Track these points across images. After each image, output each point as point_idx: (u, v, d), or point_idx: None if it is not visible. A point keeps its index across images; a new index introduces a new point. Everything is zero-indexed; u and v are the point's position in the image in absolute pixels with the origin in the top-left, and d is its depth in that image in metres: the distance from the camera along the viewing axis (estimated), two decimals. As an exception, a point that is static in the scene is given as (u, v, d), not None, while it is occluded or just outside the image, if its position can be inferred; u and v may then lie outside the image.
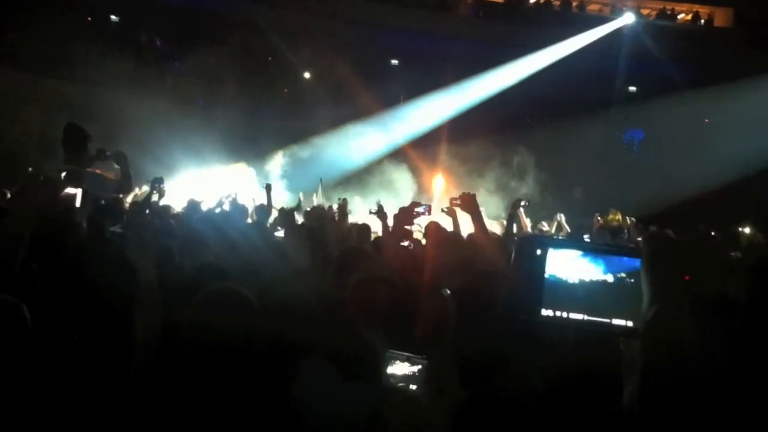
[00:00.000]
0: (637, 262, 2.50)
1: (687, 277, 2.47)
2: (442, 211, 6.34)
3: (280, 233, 6.95)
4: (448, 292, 3.53)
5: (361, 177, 16.68)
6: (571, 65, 17.85)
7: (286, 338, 2.68)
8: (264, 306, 2.71)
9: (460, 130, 17.63)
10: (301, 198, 11.57)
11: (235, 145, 16.20)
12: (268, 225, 8.19)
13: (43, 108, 15.34)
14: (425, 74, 18.16)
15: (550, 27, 18.88)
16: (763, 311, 2.52)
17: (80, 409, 2.60)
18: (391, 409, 2.50)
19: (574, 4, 20.93)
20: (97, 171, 6.30)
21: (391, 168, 16.67)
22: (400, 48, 19.44)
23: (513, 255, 2.76)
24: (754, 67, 16.09)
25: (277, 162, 17.04)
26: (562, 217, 11.51)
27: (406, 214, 5.12)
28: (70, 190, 4.92)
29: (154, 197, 8.06)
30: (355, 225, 8.16)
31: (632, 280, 2.50)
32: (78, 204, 4.93)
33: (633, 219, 10.71)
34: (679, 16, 20.92)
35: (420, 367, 2.65)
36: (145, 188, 9.08)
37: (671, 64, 17.51)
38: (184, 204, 9.48)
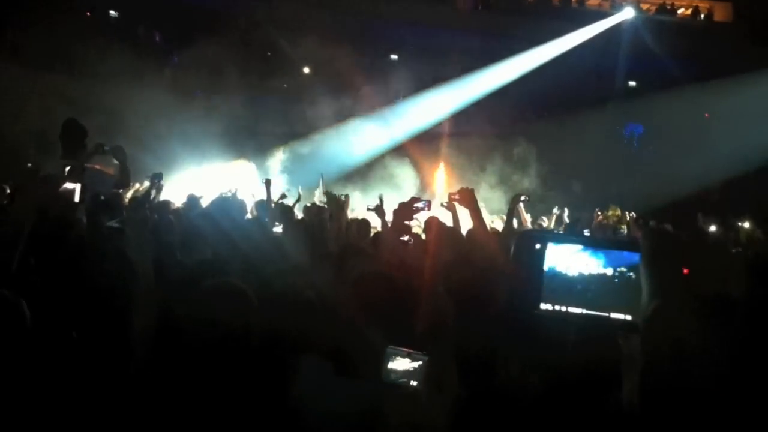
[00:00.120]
0: (636, 257, 2.50)
1: (686, 271, 2.47)
2: (442, 206, 6.33)
3: (278, 229, 6.92)
4: (441, 289, 3.53)
5: (362, 172, 16.66)
6: (571, 60, 17.83)
7: (284, 333, 2.68)
8: (262, 301, 2.71)
9: (460, 124, 17.63)
10: (301, 193, 11.53)
11: (235, 140, 16.19)
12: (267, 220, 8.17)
13: (43, 103, 15.31)
14: (424, 68, 18.14)
15: (549, 21, 18.84)
16: (763, 310, 2.53)
17: (79, 404, 2.61)
18: (391, 406, 2.51)
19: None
20: (97, 167, 6.30)
21: (392, 163, 16.65)
22: (399, 41, 19.40)
23: (512, 250, 2.76)
24: (754, 62, 16.07)
25: (277, 157, 17.03)
26: (565, 211, 11.52)
27: (406, 210, 5.11)
28: (68, 185, 4.92)
29: (153, 193, 8.06)
30: (354, 220, 8.15)
31: (632, 275, 2.50)
32: (77, 199, 4.93)
33: (632, 214, 10.73)
34: (679, 11, 20.88)
35: (420, 363, 2.65)
36: (146, 184, 9.07)
37: (671, 58, 17.47)
38: (185, 200, 9.48)
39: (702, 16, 20.80)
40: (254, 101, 17.86)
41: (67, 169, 5.05)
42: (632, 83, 19.85)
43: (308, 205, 10.42)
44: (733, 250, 7.85)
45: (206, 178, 13.73)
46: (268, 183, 8.99)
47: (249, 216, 8.56)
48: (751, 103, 15.85)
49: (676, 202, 14.52)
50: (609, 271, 2.54)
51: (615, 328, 2.52)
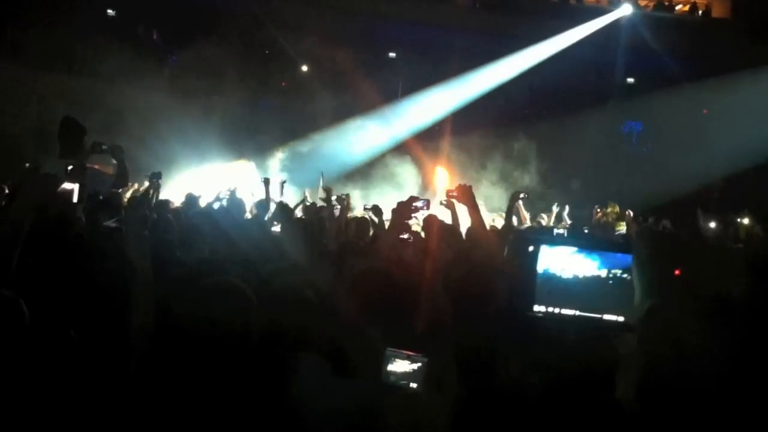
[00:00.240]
0: (630, 259, 2.51)
1: (678, 272, 2.48)
2: (441, 204, 6.32)
3: (277, 228, 6.92)
4: (440, 287, 3.53)
5: (363, 171, 16.65)
6: (569, 57, 17.80)
7: (283, 331, 2.69)
8: (261, 299, 2.71)
9: (460, 122, 17.62)
10: (307, 195, 11.50)
11: (234, 138, 16.18)
12: (267, 219, 8.18)
13: (42, 102, 15.32)
14: (422, 66, 18.14)
15: (548, 18, 18.83)
16: (763, 309, 2.53)
17: (78, 403, 2.61)
18: (391, 405, 2.51)
19: (572, -4, 20.87)
20: (96, 166, 6.30)
21: (393, 162, 16.64)
22: (397, 39, 19.38)
23: (506, 251, 2.77)
24: (753, 58, 16.06)
25: (277, 157, 17.02)
26: (565, 209, 11.52)
27: (404, 209, 5.10)
28: (67, 185, 4.91)
29: (151, 192, 8.06)
30: (354, 219, 8.15)
31: (626, 276, 2.51)
32: (75, 199, 4.93)
33: (631, 212, 10.73)
34: (677, 7, 20.86)
35: (420, 365, 2.65)
36: (146, 183, 9.07)
37: (669, 55, 17.47)
38: (183, 199, 9.49)
39: (700, 12, 20.77)
40: (254, 98, 17.87)
41: (69, 168, 5.05)
42: (631, 80, 19.84)
43: (308, 204, 10.43)
44: (733, 247, 7.85)
45: (206, 178, 13.73)
46: (266, 182, 8.99)
47: (248, 215, 8.58)
48: (750, 99, 15.85)
49: (676, 199, 14.52)
50: (603, 273, 2.55)
51: (608, 329, 2.53)
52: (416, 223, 6.97)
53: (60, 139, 5.56)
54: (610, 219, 11.22)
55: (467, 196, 4.73)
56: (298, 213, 9.36)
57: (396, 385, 2.64)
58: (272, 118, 17.65)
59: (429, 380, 2.71)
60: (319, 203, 9.64)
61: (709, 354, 2.34)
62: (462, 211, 5.35)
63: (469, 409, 2.54)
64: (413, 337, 3.10)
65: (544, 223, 10.97)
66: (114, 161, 6.10)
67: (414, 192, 13.91)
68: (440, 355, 2.85)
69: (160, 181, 8.16)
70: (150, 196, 7.95)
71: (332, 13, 17.80)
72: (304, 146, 17.48)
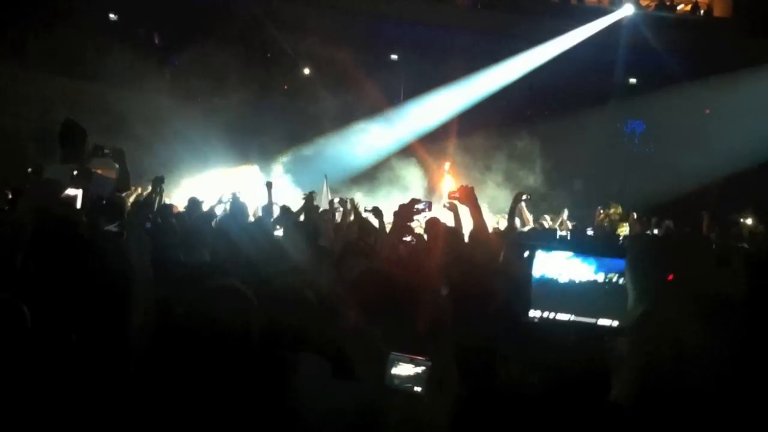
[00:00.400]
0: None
1: (670, 277, 2.48)
2: (444, 206, 6.32)
3: (280, 232, 6.94)
4: (443, 290, 3.54)
5: (368, 174, 16.63)
6: (571, 57, 17.78)
7: (283, 332, 2.69)
8: (262, 300, 2.72)
9: (462, 124, 17.61)
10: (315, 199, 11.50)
11: (237, 141, 16.18)
12: (270, 222, 8.20)
13: (43, 105, 15.33)
14: (424, 66, 18.14)
15: (549, 18, 18.82)
16: (762, 308, 2.53)
17: (79, 404, 2.62)
18: (391, 406, 2.51)
19: (573, -4, 20.87)
20: (98, 171, 6.31)
21: (399, 164, 16.62)
22: (398, 39, 19.39)
23: (501, 257, 2.78)
24: (754, 57, 16.04)
25: (281, 160, 17.01)
26: (564, 212, 11.50)
27: (406, 211, 5.11)
28: (71, 191, 4.93)
29: (154, 196, 8.09)
30: (356, 220, 8.16)
31: (622, 281, 2.52)
32: (79, 206, 4.94)
33: (635, 213, 10.71)
34: (678, 7, 20.82)
35: (424, 368, 2.66)
36: (149, 188, 9.10)
37: (671, 54, 17.44)
38: (186, 203, 9.51)
39: (702, 11, 20.75)
40: (256, 102, 17.87)
41: (74, 173, 5.06)
42: (632, 80, 19.82)
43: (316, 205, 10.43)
44: (735, 246, 7.84)
45: (210, 182, 13.74)
46: (269, 186, 9.02)
47: (252, 219, 8.60)
48: (751, 98, 15.82)
49: (678, 198, 14.51)
50: (600, 278, 2.56)
51: (602, 333, 2.54)
52: (418, 225, 6.97)
53: (61, 143, 5.57)
54: (612, 219, 11.22)
55: (469, 197, 4.73)
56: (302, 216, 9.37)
57: (400, 388, 2.65)
58: (275, 120, 17.63)
59: (430, 380, 2.72)
60: (323, 206, 9.66)
61: (708, 354, 2.34)
62: (464, 213, 5.35)
63: (470, 408, 2.54)
64: (414, 337, 3.11)
65: (547, 225, 10.93)
66: (116, 165, 6.10)
67: (420, 194, 13.92)
68: (440, 355, 2.86)
69: (163, 186, 8.19)
70: (153, 200, 7.98)
71: (332, 13, 17.80)
72: (308, 149, 17.47)
